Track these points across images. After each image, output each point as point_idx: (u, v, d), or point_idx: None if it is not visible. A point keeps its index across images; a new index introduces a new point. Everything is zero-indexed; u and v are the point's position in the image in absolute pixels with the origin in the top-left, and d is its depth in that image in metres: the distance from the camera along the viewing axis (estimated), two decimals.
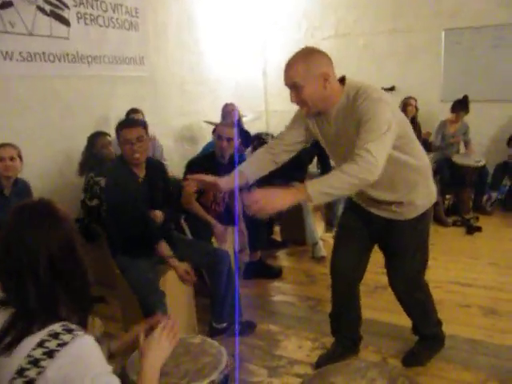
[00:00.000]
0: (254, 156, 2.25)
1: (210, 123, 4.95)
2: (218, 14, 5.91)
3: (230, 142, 3.20)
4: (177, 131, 5.61)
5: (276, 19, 6.59)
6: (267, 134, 5.36)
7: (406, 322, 2.54)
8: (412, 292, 2.35)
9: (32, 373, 1.05)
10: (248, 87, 6.38)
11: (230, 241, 3.44)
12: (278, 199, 1.68)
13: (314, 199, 1.70)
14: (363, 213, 2.27)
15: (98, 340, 1.82)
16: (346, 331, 2.51)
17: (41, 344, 1.07)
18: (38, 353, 1.06)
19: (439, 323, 2.50)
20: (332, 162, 2.37)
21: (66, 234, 1.21)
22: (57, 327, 1.11)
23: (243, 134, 4.18)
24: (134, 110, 4.35)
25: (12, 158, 3.04)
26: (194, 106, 5.83)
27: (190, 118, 5.70)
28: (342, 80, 2.00)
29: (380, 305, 3.03)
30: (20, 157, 3.12)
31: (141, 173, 2.65)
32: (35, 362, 1.05)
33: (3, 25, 3.55)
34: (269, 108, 6.52)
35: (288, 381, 2.43)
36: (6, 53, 3.58)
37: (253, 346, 2.77)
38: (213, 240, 3.34)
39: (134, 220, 2.53)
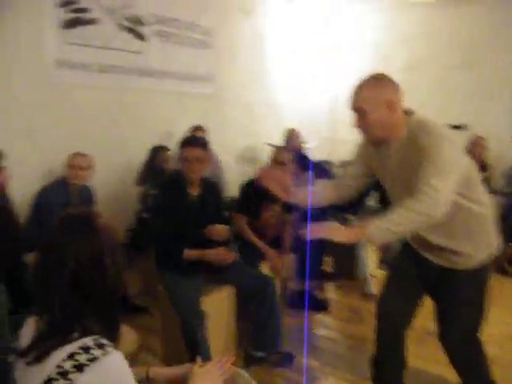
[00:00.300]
0: (319, 184, 2.24)
1: (272, 146, 4.94)
2: (289, 37, 5.96)
3: (283, 167, 3.16)
4: (238, 151, 5.66)
5: (349, 47, 6.55)
6: (328, 162, 5.30)
7: (456, 376, 2.35)
8: (463, 349, 2.17)
9: None
10: (315, 113, 6.35)
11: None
12: (338, 234, 1.71)
13: (375, 236, 1.70)
14: (418, 257, 2.14)
15: (130, 356, 1.84)
16: (387, 379, 2.35)
17: (71, 356, 1.07)
18: (67, 365, 1.06)
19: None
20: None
21: (98, 248, 1.19)
22: (88, 341, 1.10)
23: (301, 159, 4.13)
24: (197, 128, 4.42)
25: (81, 168, 3.16)
26: (258, 127, 5.87)
27: (253, 139, 5.73)
28: (408, 113, 1.93)
29: (428, 354, 2.84)
30: (91, 167, 3.24)
31: (194, 191, 2.66)
32: (64, 374, 1.05)
33: (86, 39, 3.75)
34: (335, 136, 6.43)
35: None
36: (83, 64, 3.77)
37: (288, 380, 2.67)
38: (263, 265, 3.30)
39: (180, 237, 2.53)
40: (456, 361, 2.21)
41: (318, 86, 6.37)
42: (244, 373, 1.67)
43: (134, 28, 4.09)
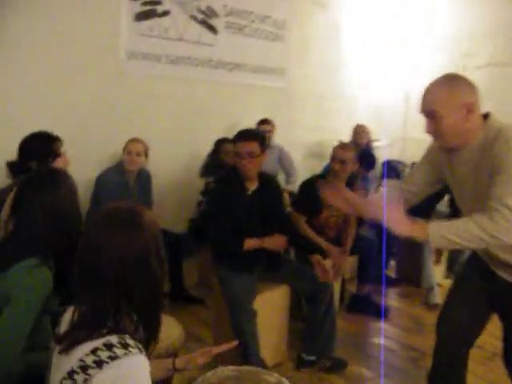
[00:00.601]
0: (391, 189, 2.12)
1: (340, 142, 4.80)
2: (364, 31, 5.73)
3: (343, 165, 3.03)
4: (306, 146, 5.54)
5: (426, 42, 6.18)
6: (399, 162, 5.06)
7: None
8: None
9: (79, 378, 1.04)
10: (387, 110, 6.07)
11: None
12: (399, 223, 1.60)
13: (431, 240, 1.59)
14: (488, 271, 1.95)
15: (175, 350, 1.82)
16: None
17: (94, 352, 1.06)
18: (89, 359, 1.05)
19: None
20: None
21: (143, 247, 1.16)
22: (113, 339, 1.08)
23: (366, 157, 3.95)
24: (264, 121, 4.38)
25: (138, 154, 3.23)
26: (328, 122, 5.72)
27: (322, 134, 5.58)
28: (485, 117, 1.74)
29: (494, 377, 2.62)
30: (146, 153, 3.31)
31: (251, 186, 2.61)
32: (84, 368, 1.04)
33: (158, 31, 3.81)
34: (407, 135, 6.13)
35: None
36: (155, 56, 3.83)
37: None
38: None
39: (232, 239, 2.50)
40: None
41: (389, 81, 6.07)
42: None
43: (207, 20, 4.09)
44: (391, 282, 4.01)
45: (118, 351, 1.05)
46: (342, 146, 3.20)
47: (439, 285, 3.80)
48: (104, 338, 1.09)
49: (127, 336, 1.11)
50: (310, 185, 3.11)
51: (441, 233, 1.57)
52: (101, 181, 3.26)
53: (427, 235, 1.58)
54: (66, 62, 3.38)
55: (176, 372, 1.54)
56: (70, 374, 1.06)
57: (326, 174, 3.22)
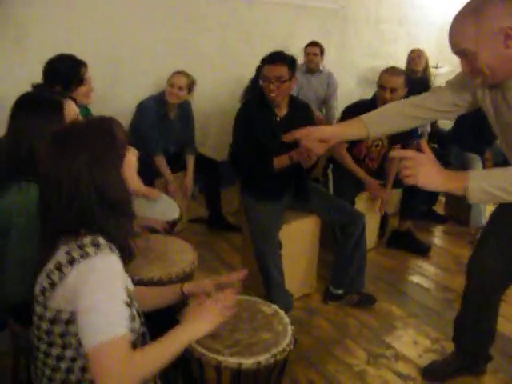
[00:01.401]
0: (388, 106, 1.86)
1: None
2: None
3: (393, 93, 2.79)
4: (361, 72, 5.22)
5: None
6: None
7: None
8: None
9: (55, 277, 1.08)
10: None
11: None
12: (432, 178, 1.34)
13: (470, 197, 1.33)
14: None
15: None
16: (470, 344, 2.08)
17: (68, 252, 1.09)
18: (63, 259, 1.08)
19: None
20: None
21: (102, 148, 1.14)
22: (86, 239, 1.10)
23: (417, 85, 3.63)
24: (312, 43, 4.13)
25: (180, 88, 3.15)
26: (387, 48, 5.33)
27: (379, 60, 5.19)
28: None
29: None
30: (189, 88, 3.21)
31: (280, 112, 2.47)
32: (59, 267, 1.08)
33: None
34: None
35: (386, 376, 2.15)
36: None
37: (363, 323, 2.52)
38: (358, 199, 3.07)
39: (261, 160, 2.39)
40: None
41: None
42: (285, 317, 1.56)
43: None
44: (437, 219, 3.81)
45: (89, 250, 1.08)
46: (391, 70, 2.91)
47: None
48: (78, 240, 1.10)
49: (100, 237, 1.12)
50: (354, 109, 2.91)
51: (482, 186, 1.31)
52: (142, 108, 3.24)
53: (466, 189, 1.32)
54: None
55: (184, 297, 1.50)
56: (48, 274, 1.10)
57: (373, 101, 2.98)
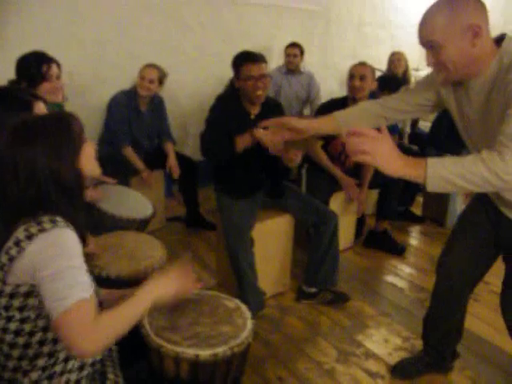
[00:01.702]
0: (359, 105, 1.88)
1: (378, 70, 4.49)
2: None
3: (362, 81, 2.84)
4: (343, 74, 5.21)
5: None
6: None
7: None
8: None
9: (13, 251, 1.11)
10: None
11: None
12: (390, 160, 1.29)
13: (429, 185, 1.29)
14: (493, 211, 1.78)
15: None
16: (437, 341, 2.10)
17: (26, 228, 1.12)
18: (21, 235, 1.11)
19: None
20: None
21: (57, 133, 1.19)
22: (44, 218, 1.13)
23: (389, 81, 3.66)
24: (292, 44, 4.15)
25: (151, 81, 3.16)
26: (369, 50, 5.36)
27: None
28: (499, 41, 1.46)
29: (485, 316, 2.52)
30: (161, 80, 3.22)
31: (254, 110, 2.48)
32: (17, 243, 1.11)
33: None
34: None
35: (355, 373, 2.16)
36: None
37: (335, 322, 2.53)
38: (333, 199, 3.08)
39: (235, 159, 2.39)
40: None
41: None
42: (246, 312, 1.56)
43: None
44: (414, 219, 3.85)
45: (47, 225, 1.11)
46: (359, 62, 3.00)
47: None
48: (36, 219, 1.14)
49: (58, 216, 1.15)
50: (328, 107, 2.93)
51: (441, 173, 1.28)
52: (112, 103, 3.24)
53: (425, 175, 1.28)
54: None
55: None
56: (7, 250, 1.12)
57: (346, 98, 3.01)
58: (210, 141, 2.44)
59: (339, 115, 1.82)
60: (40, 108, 1.63)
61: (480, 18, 1.39)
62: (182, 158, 3.54)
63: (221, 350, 1.35)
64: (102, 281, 1.64)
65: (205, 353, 1.33)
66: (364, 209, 3.25)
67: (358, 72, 2.87)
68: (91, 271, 1.24)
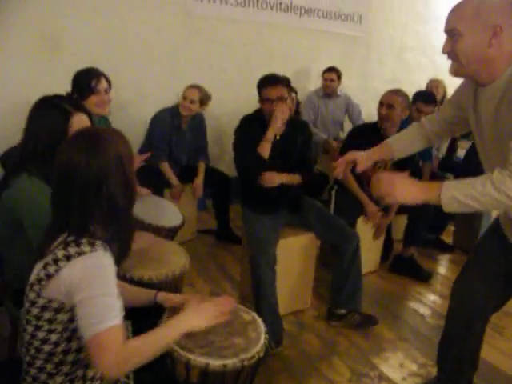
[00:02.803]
0: (406, 129, 1.98)
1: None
2: None
3: (391, 110, 2.90)
4: None
5: None
6: None
7: None
8: None
9: (52, 268, 1.18)
10: None
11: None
12: (407, 191, 1.44)
13: (444, 204, 1.41)
14: (506, 244, 1.80)
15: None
16: (450, 368, 2.09)
17: (65, 247, 1.18)
18: (60, 254, 1.18)
19: None
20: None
21: (99, 166, 1.23)
22: (84, 240, 1.20)
23: (423, 96, 3.66)
24: (329, 69, 4.25)
25: (192, 101, 3.32)
26: (410, 76, 5.38)
27: (402, 87, 5.27)
28: None
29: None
30: (202, 101, 3.38)
31: (278, 131, 2.57)
32: (56, 261, 1.18)
33: None
34: None
35: None
36: None
37: (352, 343, 2.56)
38: (360, 221, 3.13)
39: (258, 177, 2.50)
40: None
41: None
42: (261, 325, 1.63)
43: None
44: (443, 247, 3.81)
45: (85, 248, 1.18)
46: (392, 90, 3.04)
47: None
48: (77, 238, 1.21)
49: (98, 239, 1.22)
50: (359, 131, 3.00)
51: (454, 195, 1.39)
52: (155, 119, 3.41)
53: (439, 198, 1.40)
54: None
55: (155, 304, 1.61)
56: (45, 265, 1.19)
57: (376, 122, 3.06)
58: (240, 159, 2.58)
59: (392, 143, 1.94)
60: (80, 119, 1.72)
61: (505, 21, 1.40)
62: (216, 173, 3.68)
63: (230, 361, 1.41)
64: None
65: (215, 363, 1.40)
66: (382, 233, 3.28)
67: (387, 100, 2.92)
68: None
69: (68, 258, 1.17)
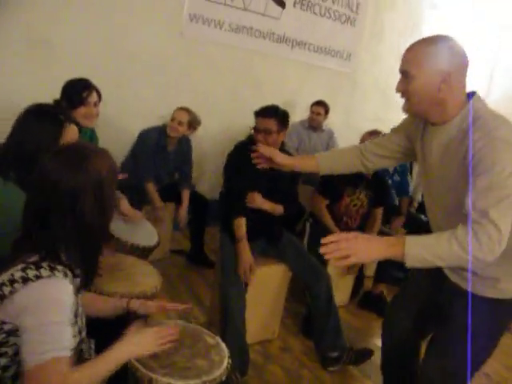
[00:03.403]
0: (342, 149, 2.02)
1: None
2: (447, 25, 5.39)
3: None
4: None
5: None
6: None
7: None
8: None
9: (7, 289, 1.13)
10: None
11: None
12: (371, 249, 1.40)
13: (408, 262, 1.38)
14: (438, 275, 1.76)
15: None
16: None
17: (23, 269, 1.14)
18: (17, 275, 1.13)
19: None
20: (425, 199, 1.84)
21: (77, 182, 1.19)
22: (45, 263, 1.16)
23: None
24: (317, 102, 4.33)
25: (180, 123, 3.34)
26: (392, 114, 5.49)
27: (383, 125, 5.39)
28: (471, 95, 1.53)
29: None
30: (190, 124, 3.40)
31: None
32: (12, 282, 1.13)
33: None
34: None
35: None
36: (219, 22, 3.88)
37: (316, 377, 2.55)
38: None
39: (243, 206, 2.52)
40: None
41: (471, 78, 5.66)
42: (224, 349, 1.62)
43: None
44: None
45: (44, 272, 1.14)
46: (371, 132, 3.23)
47: None
48: (38, 259, 1.17)
49: (58, 264, 1.18)
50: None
51: (420, 253, 1.37)
52: (142, 137, 3.40)
53: (403, 254, 1.38)
54: (127, 13, 3.51)
55: (128, 312, 1.60)
56: (1, 285, 1.14)
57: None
58: (223, 201, 2.64)
59: (320, 157, 1.96)
60: (72, 130, 1.73)
61: (454, 68, 1.48)
62: (195, 195, 3.68)
63: (192, 382, 1.41)
64: None
65: (177, 383, 1.40)
66: (354, 272, 3.31)
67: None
68: None
69: (25, 280, 1.12)
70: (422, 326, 1.92)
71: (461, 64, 1.50)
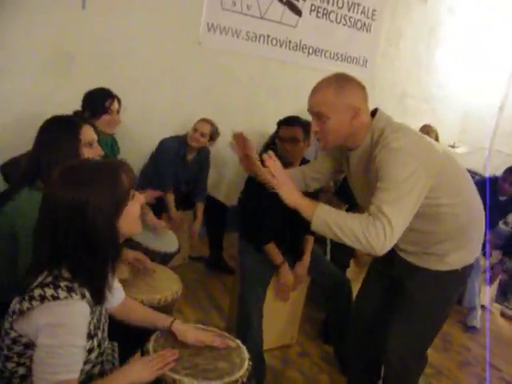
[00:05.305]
0: (293, 170, 2.12)
1: None
2: (463, 32, 5.37)
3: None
4: None
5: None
6: (474, 173, 4.76)
7: None
8: (405, 360, 1.88)
9: (25, 304, 1.17)
10: (477, 117, 5.69)
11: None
12: (288, 191, 1.60)
13: (313, 222, 1.55)
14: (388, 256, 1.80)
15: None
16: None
17: (42, 287, 1.17)
18: (36, 292, 1.16)
19: None
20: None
21: (83, 197, 1.17)
22: (62, 283, 1.18)
23: None
24: None
25: (202, 134, 3.38)
26: (409, 121, 5.41)
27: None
28: (374, 114, 1.71)
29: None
30: (212, 136, 3.45)
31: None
32: (30, 299, 1.16)
33: (241, 7, 3.90)
34: (493, 147, 5.68)
35: None
36: (236, 31, 3.92)
37: (334, 381, 2.56)
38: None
39: (263, 217, 2.55)
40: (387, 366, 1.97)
41: (487, 87, 5.62)
42: (245, 352, 1.65)
43: (292, 1, 4.10)
44: None
45: (61, 293, 1.16)
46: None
47: (484, 307, 3.58)
48: (57, 278, 1.19)
49: (76, 284, 1.20)
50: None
51: (325, 218, 1.52)
52: (162, 145, 3.45)
53: (312, 215, 1.54)
54: (145, 23, 3.57)
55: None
56: (20, 300, 1.18)
57: None
58: (246, 217, 2.69)
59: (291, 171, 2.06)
60: (88, 131, 1.78)
61: (360, 101, 1.64)
62: (213, 202, 3.71)
63: (214, 383, 1.44)
64: None
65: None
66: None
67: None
68: None
69: (42, 299, 1.15)
70: (388, 303, 2.02)
71: (364, 96, 1.67)
